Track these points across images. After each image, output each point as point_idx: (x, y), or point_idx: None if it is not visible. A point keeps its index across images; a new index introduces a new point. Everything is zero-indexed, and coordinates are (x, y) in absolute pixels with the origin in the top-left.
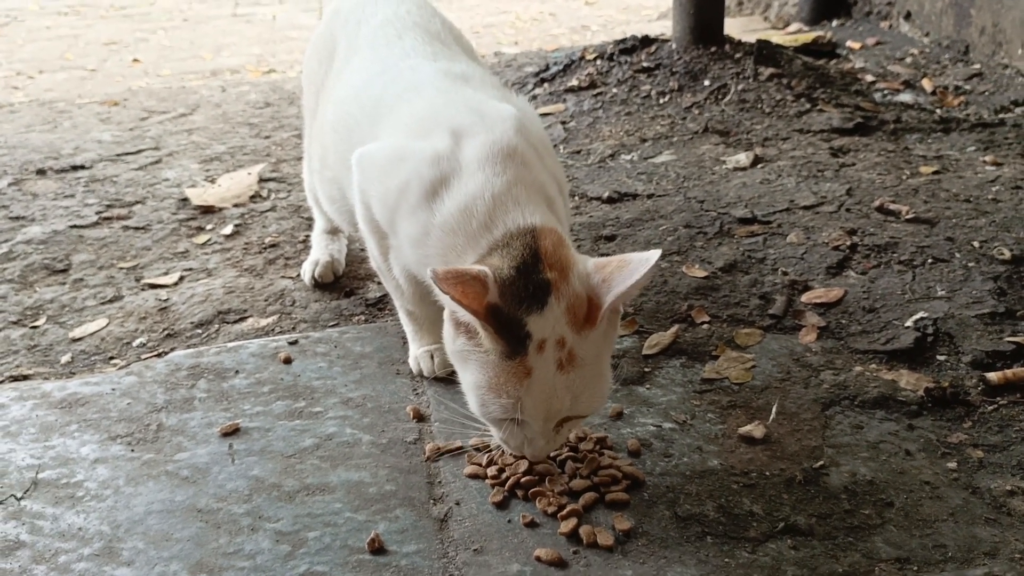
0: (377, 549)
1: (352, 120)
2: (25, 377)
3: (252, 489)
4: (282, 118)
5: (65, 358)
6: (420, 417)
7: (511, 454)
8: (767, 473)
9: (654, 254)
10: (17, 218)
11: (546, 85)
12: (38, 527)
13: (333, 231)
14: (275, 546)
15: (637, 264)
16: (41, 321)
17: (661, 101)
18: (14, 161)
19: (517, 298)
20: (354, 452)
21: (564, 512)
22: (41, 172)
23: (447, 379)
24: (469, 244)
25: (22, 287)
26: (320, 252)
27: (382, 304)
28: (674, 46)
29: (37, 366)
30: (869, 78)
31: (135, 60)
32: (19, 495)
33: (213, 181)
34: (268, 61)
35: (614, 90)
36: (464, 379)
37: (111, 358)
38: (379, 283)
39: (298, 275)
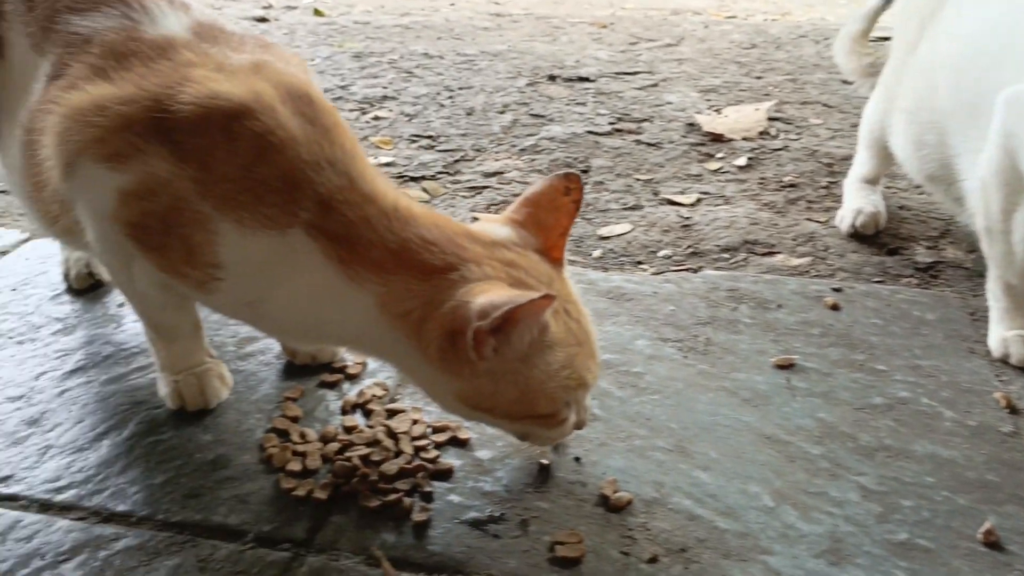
0: (992, 543)
1: (984, 56)
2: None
3: (822, 432)
4: (771, 61)
5: (596, 252)
6: (1013, 409)
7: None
8: None
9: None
10: (538, 116)
11: None
12: (608, 405)
13: (873, 180)
14: (863, 501)
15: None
16: None
17: None
18: (525, 65)
19: None
20: (935, 425)
21: None
22: (551, 78)
23: None
24: None
25: None
26: (862, 201)
27: (935, 271)
28: None
29: (572, 254)
30: None
31: None
32: None
33: (718, 111)
34: (729, 7)
35: None
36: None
37: (639, 262)
38: (929, 247)
39: (827, 220)
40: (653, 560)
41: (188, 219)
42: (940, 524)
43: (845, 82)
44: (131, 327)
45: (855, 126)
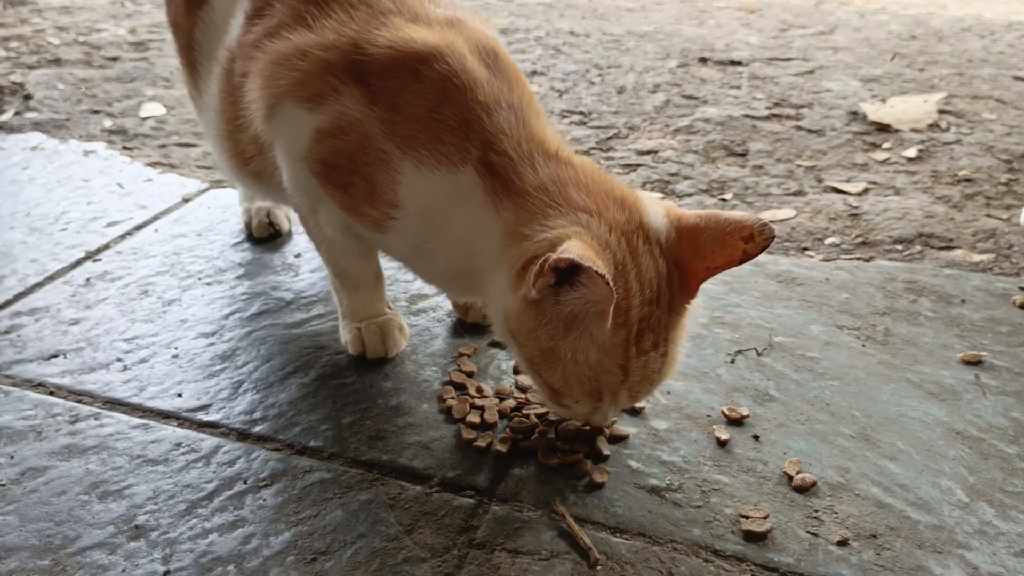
0: None
1: None
2: None
3: (1017, 431)
4: (934, 53)
5: None
6: None
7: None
8: None
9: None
10: (691, 97)
11: None
12: (784, 387)
13: None
14: None
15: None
16: (728, 196)
17: None
18: (673, 47)
19: None
20: None
21: None
22: (702, 60)
23: None
24: None
25: (706, 160)
26: None
27: None
28: None
29: None
30: None
31: None
32: (759, 350)
33: (884, 101)
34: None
35: None
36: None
37: (804, 248)
38: None
39: (1008, 218)
40: (843, 543)
41: (373, 158)
42: None
43: (1017, 78)
44: (308, 276)
45: None
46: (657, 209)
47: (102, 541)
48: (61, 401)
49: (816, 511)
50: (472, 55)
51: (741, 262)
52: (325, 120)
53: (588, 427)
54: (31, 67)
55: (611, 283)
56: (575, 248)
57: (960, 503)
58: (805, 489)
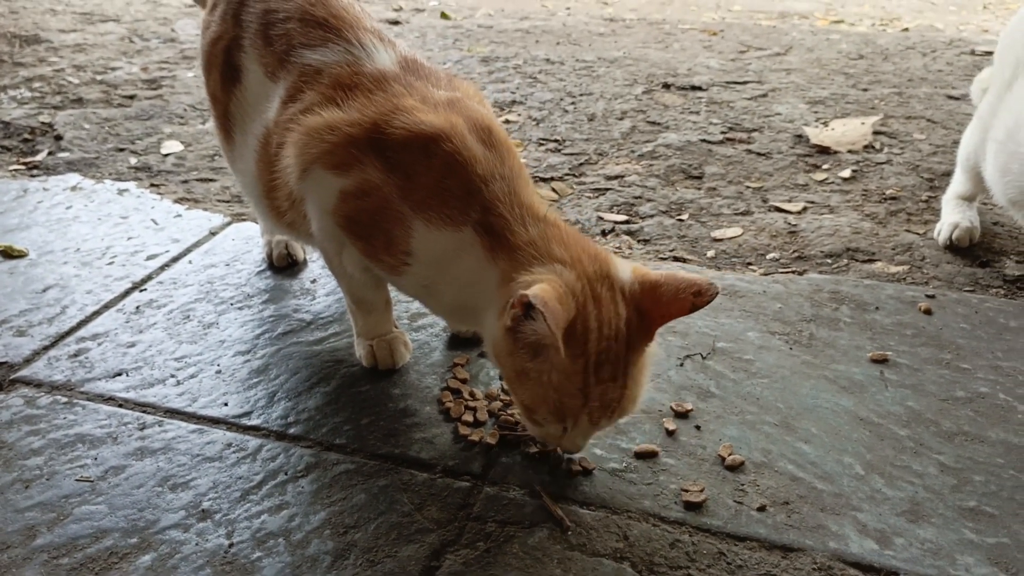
0: None
1: None
2: (683, 260)
3: (909, 417)
4: (878, 73)
5: (710, 253)
6: None
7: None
8: None
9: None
10: (654, 123)
11: None
12: (724, 385)
13: (970, 198)
14: (940, 474)
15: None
16: (685, 216)
17: None
18: (640, 72)
19: None
20: (1010, 417)
21: None
22: (666, 86)
23: None
24: None
25: (666, 183)
26: (958, 216)
27: (1022, 283)
28: None
29: (688, 253)
30: None
31: None
32: (704, 355)
33: (826, 124)
34: (837, 11)
35: None
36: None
37: (748, 263)
38: (1018, 261)
39: (925, 232)
40: (762, 509)
41: (391, 216)
42: (1006, 496)
43: (951, 97)
44: (323, 300)
45: (957, 143)
46: (624, 266)
47: (177, 522)
48: (129, 412)
49: (742, 485)
50: (471, 134)
51: (691, 312)
52: (350, 184)
53: (563, 453)
54: (56, 107)
55: (549, 319)
56: (535, 289)
57: (857, 475)
58: (734, 468)
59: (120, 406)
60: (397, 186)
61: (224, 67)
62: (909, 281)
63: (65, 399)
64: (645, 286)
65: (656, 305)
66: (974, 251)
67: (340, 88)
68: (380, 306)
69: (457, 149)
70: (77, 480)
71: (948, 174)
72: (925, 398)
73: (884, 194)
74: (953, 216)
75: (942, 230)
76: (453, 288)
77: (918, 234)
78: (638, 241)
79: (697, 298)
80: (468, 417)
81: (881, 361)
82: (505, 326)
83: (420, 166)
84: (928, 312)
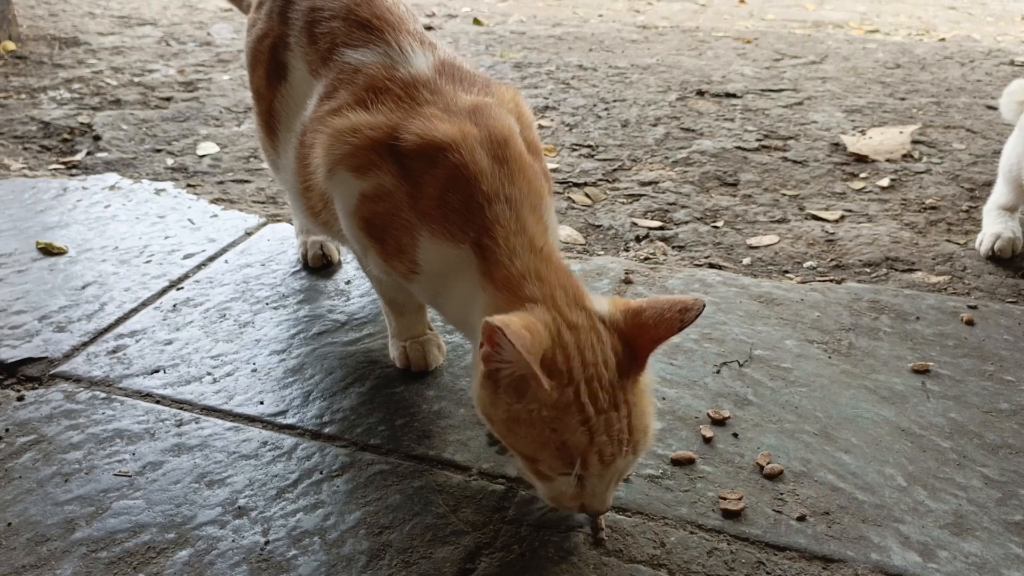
0: None
1: None
2: (719, 266)
3: (952, 429)
4: (915, 82)
5: (746, 260)
6: None
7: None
8: None
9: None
10: (689, 130)
11: None
12: (761, 393)
13: (1012, 208)
14: (985, 487)
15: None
16: (720, 223)
17: None
18: (674, 79)
19: None
20: None
21: None
22: (700, 93)
23: None
24: None
25: (701, 190)
26: (1000, 227)
27: None
28: None
29: (723, 260)
30: None
31: (741, 1)
32: (741, 362)
33: (863, 132)
34: (872, 21)
35: None
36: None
37: (785, 271)
38: None
39: (965, 243)
40: (801, 519)
41: (400, 223)
42: None
43: (990, 107)
44: (357, 301)
45: (997, 153)
46: (601, 300)
47: (213, 519)
48: (166, 408)
49: (781, 494)
50: (482, 147)
51: (679, 330)
52: (368, 187)
53: (589, 516)
54: (95, 108)
55: (515, 340)
56: (498, 317)
57: (899, 487)
58: (773, 476)
59: (157, 403)
60: (408, 194)
61: (269, 64)
62: (950, 291)
63: (104, 395)
64: (628, 314)
65: (643, 331)
66: (1016, 262)
67: (372, 90)
68: (411, 308)
69: (464, 162)
70: (115, 475)
71: (989, 184)
72: (968, 410)
73: (924, 203)
74: (995, 227)
75: (984, 240)
76: (455, 304)
77: (959, 244)
78: (672, 247)
79: (684, 315)
80: None
81: (923, 372)
82: (483, 373)
83: (428, 175)
84: (970, 323)
